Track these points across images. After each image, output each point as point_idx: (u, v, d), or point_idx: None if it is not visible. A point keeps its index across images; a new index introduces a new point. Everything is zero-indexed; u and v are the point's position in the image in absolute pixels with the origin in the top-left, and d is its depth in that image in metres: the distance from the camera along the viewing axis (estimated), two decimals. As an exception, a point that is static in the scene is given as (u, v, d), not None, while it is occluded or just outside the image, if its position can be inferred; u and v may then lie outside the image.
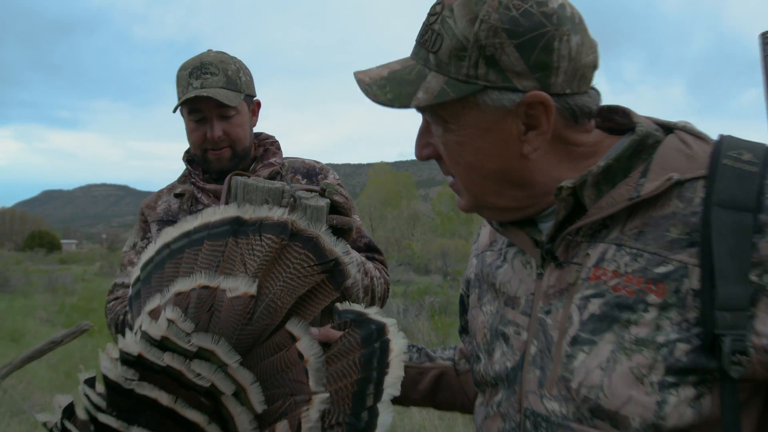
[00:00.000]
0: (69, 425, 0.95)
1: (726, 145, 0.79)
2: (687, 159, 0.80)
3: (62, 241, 73.59)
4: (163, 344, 0.92)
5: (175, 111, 1.70)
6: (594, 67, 0.82)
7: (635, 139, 0.81)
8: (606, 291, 0.79)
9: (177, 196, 1.75)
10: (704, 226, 0.74)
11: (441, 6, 0.80)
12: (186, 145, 1.76)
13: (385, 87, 0.83)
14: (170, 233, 1.13)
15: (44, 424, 1.02)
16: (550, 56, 0.77)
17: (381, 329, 1.02)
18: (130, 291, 1.16)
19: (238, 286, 0.98)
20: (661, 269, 0.76)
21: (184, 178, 1.80)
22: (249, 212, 1.07)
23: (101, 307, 11.29)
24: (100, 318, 8.34)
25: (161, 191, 1.83)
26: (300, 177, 1.74)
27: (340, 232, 1.21)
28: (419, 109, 0.85)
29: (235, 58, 1.71)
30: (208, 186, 1.71)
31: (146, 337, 0.93)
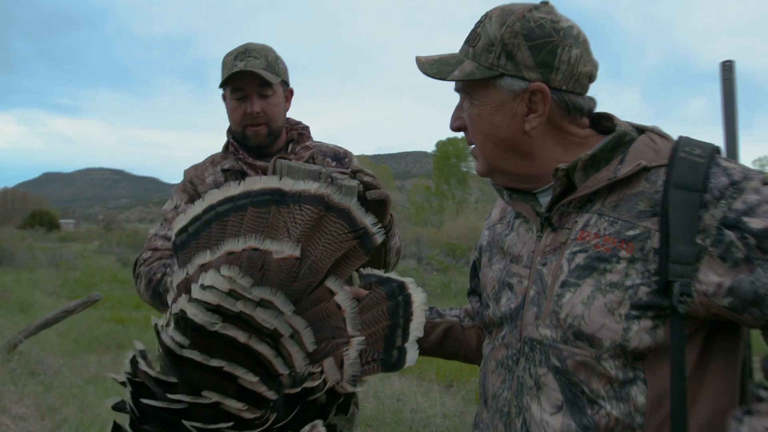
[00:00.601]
0: (145, 366, 1.07)
1: (683, 142, 0.97)
2: (654, 152, 0.97)
3: (61, 220, 72.31)
4: (231, 295, 1.04)
5: (221, 86, 1.76)
6: (590, 77, 1.00)
7: (615, 136, 1.00)
8: (589, 248, 0.96)
9: (224, 171, 1.79)
10: (664, 201, 0.92)
11: (485, 16, 1.02)
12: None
13: (433, 65, 1.04)
14: (215, 196, 1.20)
15: (114, 379, 1.13)
16: (553, 58, 0.97)
17: (401, 285, 1.15)
18: (174, 239, 1.22)
19: (284, 249, 1.09)
20: (631, 232, 0.94)
21: (227, 154, 1.83)
22: (289, 185, 1.17)
23: (102, 281, 11.23)
24: (103, 291, 8.34)
25: (204, 163, 1.85)
26: (329, 159, 1.82)
27: (379, 203, 1.31)
28: (456, 88, 1.06)
29: (274, 50, 1.78)
30: (258, 162, 1.75)
31: (215, 290, 1.04)
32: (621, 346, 0.91)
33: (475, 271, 1.31)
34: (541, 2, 1.02)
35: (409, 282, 1.15)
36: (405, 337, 1.09)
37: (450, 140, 47.87)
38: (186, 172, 1.85)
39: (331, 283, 1.10)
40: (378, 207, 1.28)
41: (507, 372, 1.04)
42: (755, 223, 0.87)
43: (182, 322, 1.04)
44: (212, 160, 1.85)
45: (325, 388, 1.06)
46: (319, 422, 1.06)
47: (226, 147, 1.84)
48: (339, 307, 1.09)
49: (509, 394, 1.03)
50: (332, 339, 1.08)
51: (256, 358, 1.03)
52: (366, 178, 1.27)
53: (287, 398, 1.05)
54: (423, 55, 1.08)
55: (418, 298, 1.12)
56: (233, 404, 1.02)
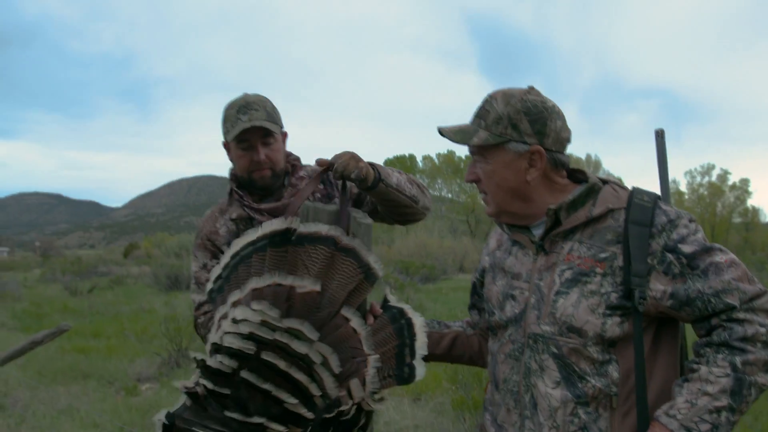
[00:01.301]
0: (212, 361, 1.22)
1: (636, 192, 1.33)
2: (616, 198, 1.33)
3: (-5, 248, 68.81)
4: (263, 326, 1.22)
5: (226, 142, 1.89)
6: (568, 140, 1.35)
7: (588, 186, 1.34)
8: (574, 266, 1.30)
9: (233, 220, 1.91)
10: (625, 233, 1.27)
11: (491, 97, 1.35)
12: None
13: (457, 134, 1.37)
14: (239, 243, 1.42)
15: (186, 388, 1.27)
16: (545, 128, 1.31)
17: (401, 311, 1.41)
18: (211, 286, 1.42)
19: (306, 284, 1.30)
20: (603, 255, 1.29)
21: (232, 201, 1.94)
22: (301, 226, 1.37)
23: (53, 311, 10.98)
24: (53, 322, 8.17)
25: (213, 215, 1.96)
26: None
27: (362, 181, 1.57)
28: (472, 151, 1.37)
29: (267, 98, 1.92)
30: (262, 206, 1.87)
31: (247, 322, 1.22)
32: (600, 335, 1.25)
33: (474, 288, 1.61)
34: (529, 87, 1.36)
35: (407, 308, 1.41)
36: (413, 354, 1.33)
37: (398, 158, 48.34)
38: (200, 230, 1.97)
39: (345, 311, 1.33)
40: (362, 182, 1.58)
41: (515, 361, 1.35)
42: (686, 248, 1.24)
43: (219, 349, 1.22)
44: (220, 209, 1.97)
45: (354, 408, 1.27)
46: None
47: (231, 194, 1.96)
48: (355, 331, 1.31)
49: (518, 377, 1.34)
50: (352, 359, 1.29)
51: (294, 383, 1.21)
52: (353, 175, 1.54)
53: (323, 421, 1.24)
54: (445, 126, 1.40)
55: (418, 321, 1.39)
56: (277, 427, 1.21)
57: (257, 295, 1.29)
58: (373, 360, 1.31)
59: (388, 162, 49.07)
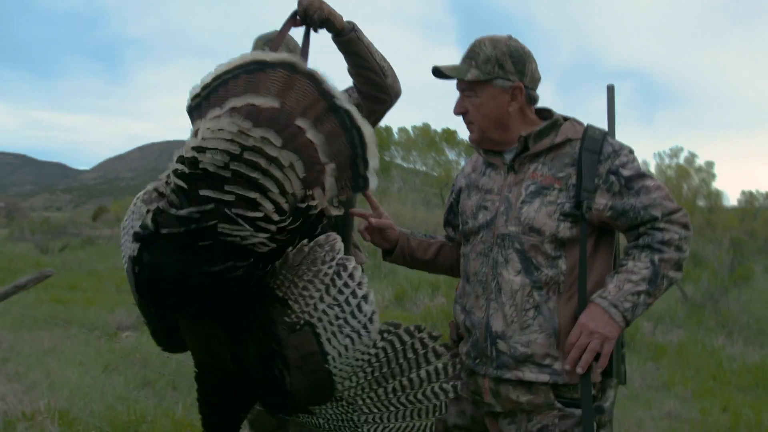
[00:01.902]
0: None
1: (589, 127, 1.62)
2: (574, 131, 1.61)
3: (-43, 207, 67.10)
4: (240, 133, 1.30)
5: None
6: (539, 80, 1.65)
7: (553, 120, 1.63)
8: (537, 182, 1.60)
9: None
10: (579, 158, 1.57)
11: (480, 41, 1.63)
12: None
13: (452, 71, 1.63)
14: (220, 68, 1.49)
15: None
16: (524, 68, 1.61)
17: (350, 116, 1.42)
18: (190, 103, 1.49)
19: (267, 101, 1.38)
20: (560, 174, 1.59)
21: None
22: (270, 56, 1.47)
23: (26, 267, 11.04)
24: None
25: None
26: None
27: (326, 21, 1.74)
28: (462, 87, 1.64)
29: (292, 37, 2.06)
30: None
31: (226, 131, 1.29)
32: (554, 235, 1.56)
33: (450, 207, 1.88)
34: (509, 35, 1.66)
35: (354, 111, 1.44)
36: (365, 165, 1.42)
37: (386, 128, 48.25)
38: None
39: (300, 122, 1.38)
40: (328, 24, 1.76)
41: (485, 257, 1.65)
42: (625, 172, 1.54)
43: (204, 150, 1.29)
44: None
45: (318, 209, 1.36)
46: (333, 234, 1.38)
47: None
48: (310, 141, 1.38)
49: (487, 269, 1.63)
50: (312, 166, 1.37)
51: (272, 180, 1.31)
52: (315, 16, 1.72)
53: (295, 211, 1.34)
54: (440, 65, 1.65)
55: (368, 131, 1.43)
56: (267, 204, 1.30)
57: (233, 112, 1.38)
58: (329, 168, 1.40)
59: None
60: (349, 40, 1.82)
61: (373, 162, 1.43)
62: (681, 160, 45.77)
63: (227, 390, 1.56)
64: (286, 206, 1.34)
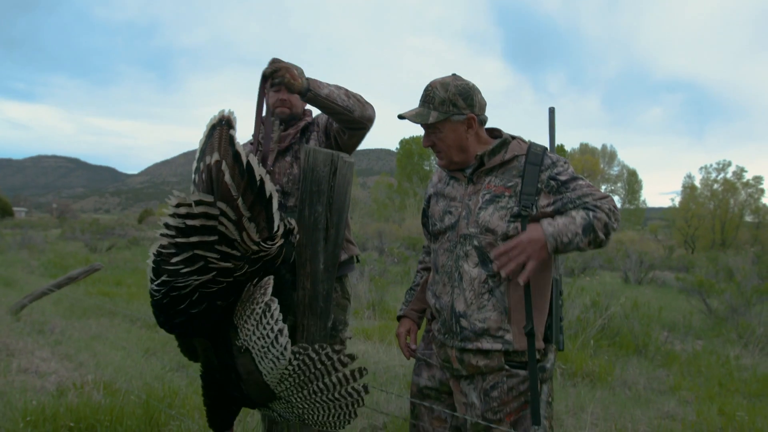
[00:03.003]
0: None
1: (532, 144, 1.96)
2: (520, 148, 1.95)
3: (13, 208, 70.44)
4: (208, 205, 1.64)
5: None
6: (486, 105, 1.98)
7: (503, 140, 1.97)
8: (491, 191, 1.93)
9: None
10: (524, 170, 1.90)
11: (431, 87, 1.94)
12: None
13: (416, 117, 1.94)
14: (210, 123, 1.88)
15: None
16: (472, 101, 1.93)
17: (250, 168, 1.70)
18: (195, 165, 1.88)
19: (214, 158, 1.71)
20: (510, 184, 1.92)
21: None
22: (216, 119, 1.84)
23: (77, 263, 11.81)
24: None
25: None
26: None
27: (288, 85, 2.11)
28: (427, 125, 1.95)
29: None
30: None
31: (203, 204, 1.63)
32: (506, 234, 1.89)
33: (425, 211, 2.22)
34: (452, 75, 1.97)
35: (251, 159, 1.71)
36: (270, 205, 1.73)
37: (414, 138, 48.75)
38: None
39: (223, 166, 1.68)
40: (289, 87, 2.11)
41: (450, 252, 2.00)
42: (562, 177, 1.88)
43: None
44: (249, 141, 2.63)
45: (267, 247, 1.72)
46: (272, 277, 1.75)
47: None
48: (227, 183, 1.67)
49: (452, 262, 1.99)
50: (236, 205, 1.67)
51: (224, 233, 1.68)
52: (275, 80, 2.10)
53: (252, 258, 1.73)
54: (404, 113, 1.97)
55: (261, 171, 1.72)
56: (226, 250, 1.68)
57: (206, 169, 1.75)
58: (242, 206, 1.71)
59: (404, 142, 49.47)
60: (308, 99, 2.20)
61: (270, 191, 1.73)
62: (729, 174, 44.76)
63: (220, 388, 2.01)
64: (239, 255, 1.73)
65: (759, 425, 4.07)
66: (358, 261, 2.63)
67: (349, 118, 2.29)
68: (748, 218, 44.39)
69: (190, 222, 1.67)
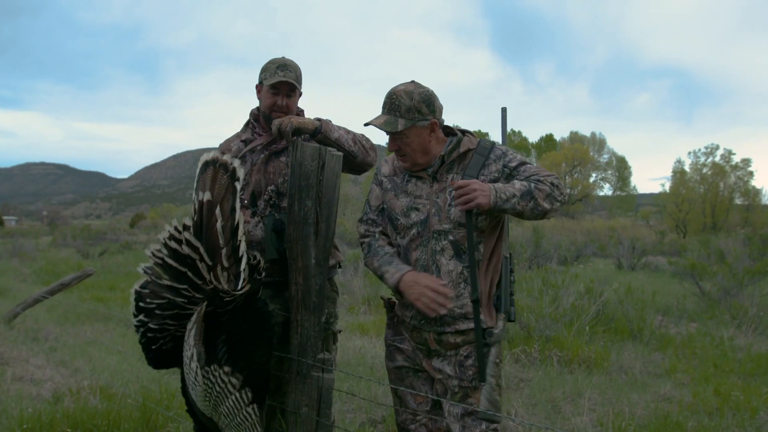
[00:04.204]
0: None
1: (482, 139, 2.07)
2: (471, 142, 2.13)
3: (3, 217, 69.93)
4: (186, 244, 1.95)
5: (260, 85, 2.54)
6: (443, 108, 2.09)
7: (458, 138, 2.15)
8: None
9: (243, 141, 2.58)
10: (470, 159, 2.07)
11: (395, 95, 2.07)
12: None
13: (384, 125, 2.06)
14: (203, 159, 2.10)
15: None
16: (434, 106, 2.09)
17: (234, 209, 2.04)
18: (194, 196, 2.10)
19: (205, 197, 2.00)
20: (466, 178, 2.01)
21: (246, 129, 2.63)
22: (209, 157, 2.08)
23: (69, 270, 11.77)
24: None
25: (232, 137, 2.63)
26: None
27: (297, 131, 2.33)
28: (393, 132, 2.07)
29: (297, 65, 2.56)
30: (264, 135, 2.57)
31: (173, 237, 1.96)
32: (475, 226, 1.98)
33: (369, 206, 2.28)
34: (412, 81, 2.10)
35: (241, 219, 2.04)
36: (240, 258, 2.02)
37: (403, 134, 48.48)
38: (219, 146, 2.64)
39: (217, 212, 2.01)
40: (299, 131, 2.31)
41: (423, 247, 2.09)
42: (512, 164, 2.09)
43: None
44: (237, 135, 2.65)
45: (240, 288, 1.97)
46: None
47: (247, 124, 2.65)
48: (217, 229, 2.01)
49: (427, 256, 2.08)
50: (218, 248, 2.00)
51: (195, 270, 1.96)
52: (284, 130, 2.31)
53: (217, 293, 1.97)
54: (371, 120, 2.07)
55: (241, 222, 2.04)
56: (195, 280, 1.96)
57: (197, 206, 2.05)
58: (224, 249, 2.01)
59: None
60: (319, 139, 2.34)
61: (244, 251, 2.02)
62: (717, 158, 44.91)
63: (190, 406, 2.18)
64: (206, 287, 1.99)
65: (754, 404, 4.11)
66: (340, 267, 2.66)
67: (351, 162, 2.44)
68: (738, 201, 44.63)
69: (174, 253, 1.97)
